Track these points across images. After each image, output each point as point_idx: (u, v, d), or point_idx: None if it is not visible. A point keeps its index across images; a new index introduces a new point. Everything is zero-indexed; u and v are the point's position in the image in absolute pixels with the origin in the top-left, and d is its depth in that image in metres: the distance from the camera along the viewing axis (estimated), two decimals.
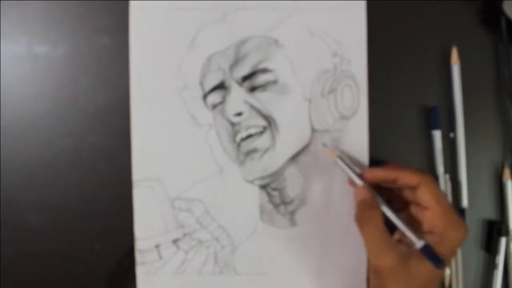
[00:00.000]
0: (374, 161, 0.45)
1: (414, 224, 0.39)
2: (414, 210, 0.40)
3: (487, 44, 0.46)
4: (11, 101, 0.46)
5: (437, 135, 0.45)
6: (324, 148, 0.44)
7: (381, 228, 0.38)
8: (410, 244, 0.38)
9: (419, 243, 0.37)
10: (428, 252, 0.37)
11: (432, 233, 0.38)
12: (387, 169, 0.40)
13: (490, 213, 0.46)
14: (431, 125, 0.46)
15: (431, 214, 0.38)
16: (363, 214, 0.40)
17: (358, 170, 0.42)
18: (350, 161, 0.43)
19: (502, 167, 0.46)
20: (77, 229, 0.46)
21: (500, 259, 0.45)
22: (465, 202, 0.46)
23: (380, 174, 0.40)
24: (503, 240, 0.45)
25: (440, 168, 0.45)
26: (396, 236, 0.41)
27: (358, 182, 0.41)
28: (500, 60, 0.46)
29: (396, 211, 0.39)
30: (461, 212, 0.46)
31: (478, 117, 0.46)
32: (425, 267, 0.37)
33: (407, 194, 0.41)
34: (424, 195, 0.38)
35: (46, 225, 0.46)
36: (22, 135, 0.46)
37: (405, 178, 0.39)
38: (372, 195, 0.40)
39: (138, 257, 0.45)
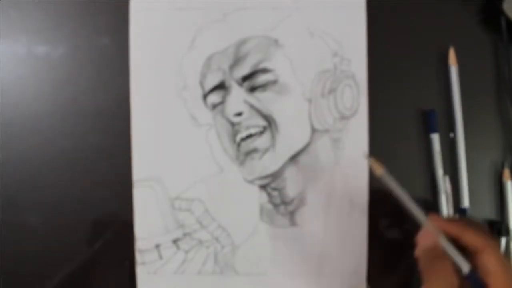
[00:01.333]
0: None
1: None
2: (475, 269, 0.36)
3: (487, 44, 0.46)
4: (10, 101, 0.46)
5: (435, 138, 0.45)
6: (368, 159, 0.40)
7: (451, 282, 0.34)
8: None
9: (466, 268, 0.35)
10: (474, 279, 0.34)
11: None
12: (453, 224, 0.36)
13: (490, 213, 0.46)
14: (429, 128, 0.46)
15: (493, 281, 0.34)
16: (431, 265, 0.35)
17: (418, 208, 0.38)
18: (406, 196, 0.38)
19: (502, 167, 0.46)
20: (76, 229, 0.46)
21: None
22: (465, 202, 0.46)
23: (444, 226, 0.36)
24: (503, 240, 0.45)
25: (440, 170, 0.45)
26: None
27: (425, 223, 0.37)
28: (500, 60, 0.46)
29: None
30: (461, 212, 0.46)
31: (478, 117, 0.46)
32: None
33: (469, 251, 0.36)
34: (489, 262, 0.34)
35: (45, 225, 0.46)
36: (22, 135, 0.46)
37: (471, 239, 0.35)
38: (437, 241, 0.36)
39: (138, 257, 0.45)
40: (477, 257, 0.35)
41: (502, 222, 0.46)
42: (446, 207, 0.46)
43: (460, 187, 0.46)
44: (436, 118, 0.46)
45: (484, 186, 0.46)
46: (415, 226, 0.46)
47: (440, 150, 0.46)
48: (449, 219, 0.38)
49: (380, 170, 0.38)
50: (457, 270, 0.35)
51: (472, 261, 0.35)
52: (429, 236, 0.36)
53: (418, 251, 0.36)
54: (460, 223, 0.37)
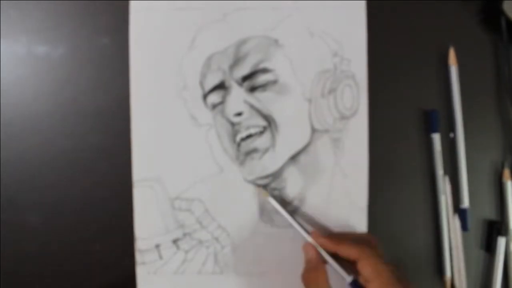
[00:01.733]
0: (374, 163, 0.45)
1: None
2: (360, 279, 0.40)
3: (487, 44, 0.46)
4: (10, 101, 0.46)
5: (436, 138, 0.45)
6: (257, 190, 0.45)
7: (326, 286, 0.40)
8: None
9: (348, 278, 0.40)
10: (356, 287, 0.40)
11: None
12: (329, 239, 0.42)
13: (490, 213, 0.46)
14: (430, 128, 0.46)
15: (371, 284, 0.38)
16: (309, 275, 0.41)
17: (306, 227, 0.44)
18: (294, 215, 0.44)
19: (502, 168, 0.46)
20: (77, 229, 0.46)
21: (500, 259, 0.45)
22: (465, 202, 0.46)
23: (322, 242, 0.42)
24: (503, 240, 0.45)
25: (440, 171, 0.45)
26: None
27: (307, 238, 0.42)
28: (500, 60, 0.46)
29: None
30: (461, 212, 0.46)
31: (478, 117, 0.46)
32: None
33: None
34: (364, 269, 0.39)
35: (46, 225, 0.46)
36: (22, 135, 0.46)
37: (345, 251, 0.40)
38: (318, 253, 0.42)
39: (138, 257, 0.45)
40: (356, 265, 0.40)
41: (502, 222, 0.46)
42: (445, 207, 0.46)
43: (460, 187, 0.46)
44: (438, 118, 0.45)
45: (484, 186, 0.46)
46: (414, 225, 0.46)
47: (441, 150, 0.46)
48: (328, 236, 0.42)
49: (265, 194, 0.44)
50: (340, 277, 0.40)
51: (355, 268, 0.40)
52: (311, 248, 0.42)
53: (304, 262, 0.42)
54: (336, 238, 0.42)
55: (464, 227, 0.46)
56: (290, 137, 0.45)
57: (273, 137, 0.45)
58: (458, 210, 0.46)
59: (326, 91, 0.45)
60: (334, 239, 0.41)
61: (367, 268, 0.39)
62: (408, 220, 0.46)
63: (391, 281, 0.38)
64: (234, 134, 0.45)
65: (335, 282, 0.41)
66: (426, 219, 0.46)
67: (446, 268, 0.45)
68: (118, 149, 0.45)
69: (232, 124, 0.45)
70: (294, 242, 0.45)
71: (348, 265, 0.40)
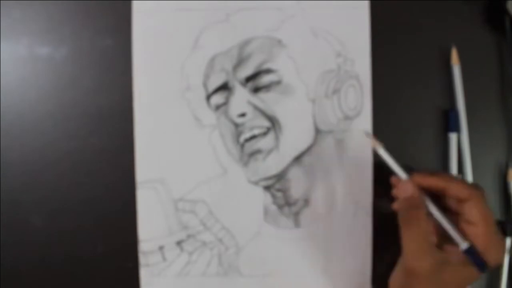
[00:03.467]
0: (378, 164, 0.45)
1: None
2: (457, 221, 0.38)
3: (491, 44, 0.46)
4: (12, 102, 0.46)
5: (453, 138, 0.45)
6: (367, 136, 0.43)
7: (425, 230, 0.37)
8: (449, 251, 0.37)
9: (463, 245, 0.37)
10: (472, 254, 0.36)
11: None
12: (438, 177, 0.39)
13: (495, 213, 0.46)
14: (448, 127, 0.45)
15: (475, 230, 0.37)
16: (408, 213, 0.38)
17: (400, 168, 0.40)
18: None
19: (507, 168, 0.46)
20: (80, 231, 0.46)
21: (506, 259, 0.45)
22: None
23: (429, 180, 0.39)
24: (508, 240, 0.45)
25: (454, 170, 0.45)
26: (435, 240, 0.39)
27: (403, 176, 0.39)
28: (505, 60, 0.46)
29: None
30: None
31: (482, 117, 0.46)
32: (459, 275, 0.37)
33: (453, 205, 0.39)
34: (472, 210, 0.37)
35: (49, 227, 0.46)
36: (24, 137, 0.46)
37: (456, 189, 0.38)
38: (419, 192, 0.38)
39: (142, 259, 0.45)
40: (462, 205, 0.37)
41: (507, 222, 0.46)
42: None
43: None
44: (456, 117, 0.45)
45: (488, 186, 0.46)
46: None
47: (456, 150, 0.45)
48: (433, 173, 0.39)
49: (377, 146, 0.41)
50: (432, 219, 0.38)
51: (457, 209, 0.38)
52: (409, 186, 0.39)
53: (397, 203, 0.39)
54: (445, 175, 0.39)
55: None
56: (294, 137, 0.45)
57: (277, 138, 0.45)
58: None
59: (330, 92, 0.45)
60: (442, 176, 0.39)
61: (475, 210, 0.37)
62: None
63: (494, 228, 0.37)
64: (238, 135, 0.45)
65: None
66: None
67: None
68: (121, 150, 0.45)
69: (236, 125, 0.45)
70: (298, 243, 0.45)
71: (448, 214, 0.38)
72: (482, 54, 0.46)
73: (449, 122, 0.45)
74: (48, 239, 0.46)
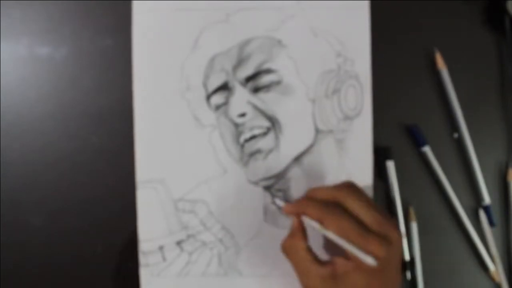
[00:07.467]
0: (378, 161, 0.45)
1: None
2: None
3: (491, 44, 0.46)
4: (13, 102, 0.46)
5: (427, 151, 0.45)
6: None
7: (304, 255, 0.38)
8: (336, 263, 0.37)
9: (370, 260, 0.35)
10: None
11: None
12: (294, 205, 0.40)
13: (495, 213, 0.46)
14: (417, 143, 0.45)
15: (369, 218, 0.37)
16: (289, 243, 0.39)
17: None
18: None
19: (507, 167, 0.46)
20: (80, 231, 0.46)
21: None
22: (486, 199, 0.45)
23: (291, 208, 0.41)
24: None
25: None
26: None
27: (281, 204, 0.42)
28: (504, 60, 0.46)
29: None
30: (486, 209, 0.46)
31: (482, 117, 0.46)
32: (356, 283, 0.36)
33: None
34: (351, 205, 0.37)
35: (48, 227, 0.46)
36: (24, 137, 0.46)
37: (323, 194, 0.39)
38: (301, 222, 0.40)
39: (142, 259, 0.45)
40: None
41: (507, 222, 0.46)
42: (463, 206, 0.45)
43: (478, 185, 0.45)
44: (420, 133, 0.45)
45: (488, 186, 0.46)
46: (418, 225, 0.46)
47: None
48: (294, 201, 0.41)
49: None
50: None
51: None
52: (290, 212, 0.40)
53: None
54: (299, 201, 0.40)
55: (491, 222, 0.45)
56: (294, 137, 0.45)
57: (277, 138, 0.45)
58: (482, 207, 0.45)
59: (330, 92, 0.45)
60: (297, 202, 0.40)
61: (355, 203, 0.37)
62: None
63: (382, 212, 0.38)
64: (238, 135, 0.45)
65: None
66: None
67: (488, 263, 0.45)
68: (121, 150, 0.45)
69: (236, 125, 0.45)
70: None
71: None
72: (482, 54, 0.46)
73: (416, 138, 0.45)
74: (48, 239, 0.46)
